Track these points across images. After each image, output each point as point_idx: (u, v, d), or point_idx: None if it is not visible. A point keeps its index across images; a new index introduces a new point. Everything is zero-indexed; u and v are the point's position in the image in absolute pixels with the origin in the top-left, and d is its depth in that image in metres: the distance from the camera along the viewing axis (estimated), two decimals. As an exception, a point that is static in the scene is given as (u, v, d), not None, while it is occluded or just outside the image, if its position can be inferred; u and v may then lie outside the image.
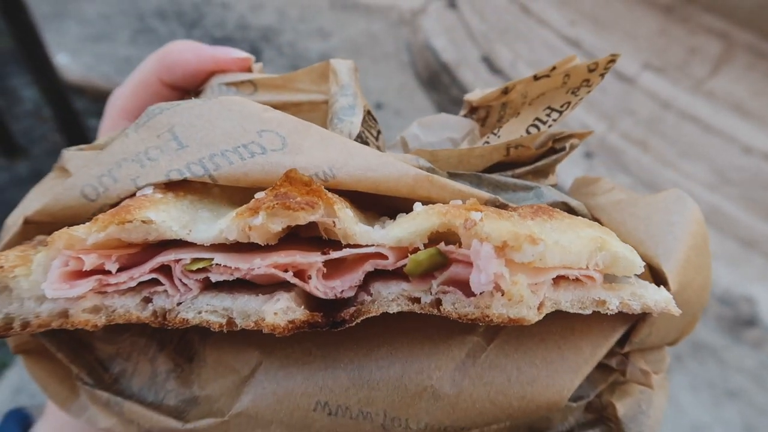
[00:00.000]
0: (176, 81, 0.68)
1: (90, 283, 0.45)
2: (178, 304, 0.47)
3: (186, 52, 0.68)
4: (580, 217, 0.54)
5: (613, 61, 0.58)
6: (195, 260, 0.46)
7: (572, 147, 0.61)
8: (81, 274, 0.45)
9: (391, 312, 0.46)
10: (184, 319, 0.46)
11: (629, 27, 2.93)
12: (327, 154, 0.51)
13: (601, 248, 0.47)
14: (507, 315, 0.43)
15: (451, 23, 4.50)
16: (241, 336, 0.54)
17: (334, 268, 0.47)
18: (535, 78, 0.63)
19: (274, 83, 0.67)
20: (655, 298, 0.48)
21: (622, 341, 0.56)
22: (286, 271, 0.45)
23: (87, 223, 0.45)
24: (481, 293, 0.43)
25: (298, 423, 0.53)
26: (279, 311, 0.44)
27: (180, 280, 0.47)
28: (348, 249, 0.46)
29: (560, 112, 0.59)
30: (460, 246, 0.44)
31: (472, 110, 0.71)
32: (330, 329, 0.47)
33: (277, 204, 0.43)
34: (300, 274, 0.46)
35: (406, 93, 4.48)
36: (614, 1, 2.99)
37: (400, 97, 4.41)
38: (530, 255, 0.42)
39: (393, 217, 0.52)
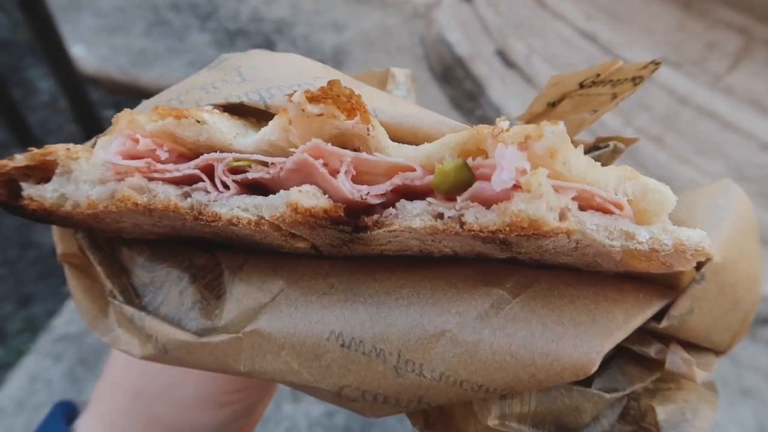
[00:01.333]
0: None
1: (140, 162, 0.48)
2: (215, 201, 0.48)
3: None
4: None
5: (657, 65, 0.57)
6: (237, 159, 0.48)
7: (617, 149, 0.62)
8: (134, 156, 0.49)
9: (415, 226, 0.44)
10: (216, 213, 0.48)
11: (646, 21, 2.90)
12: (373, 101, 0.52)
13: (630, 177, 0.45)
14: (526, 213, 0.40)
15: (465, 17, 4.48)
16: (270, 268, 0.57)
17: (362, 175, 0.47)
18: (581, 86, 0.63)
19: None
20: (689, 234, 0.43)
21: (659, 317, 0.53)
22: (318, 159, 0.45)
23: (149, 113, 0.49)
24: (502, 192, 0.41)
25: (309, 351, 0.53)
26: (304, 191, 0.44)
27: (220, 179, 0.49)
28: (378, 154, 0.46)
29: (595, 111, 0.61)
30: (487, 157, 0.43)
31: None
32: (352, 233, 0.47)
33: (320, 96, 0.44)
34: (330, 170, 0.46)
35: (420, 86, 4.47)
36: (631, -6, 2.96)
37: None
38: (550, 135, 0.40)
39: None
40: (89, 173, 0.50)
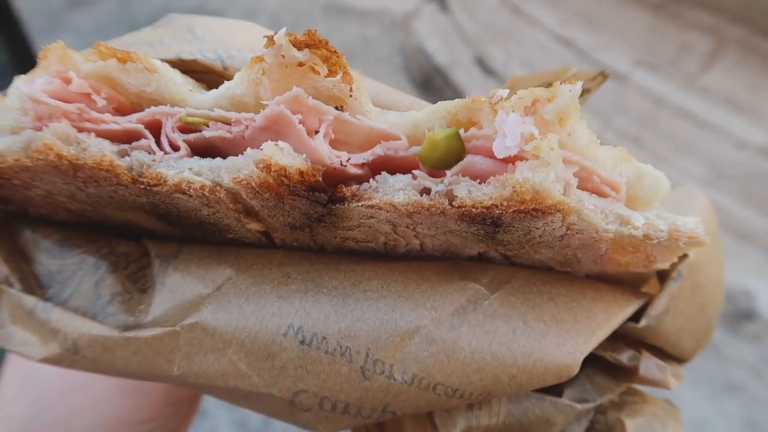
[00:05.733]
0: None
1: (71, 107, 0.39)
2: (160, 162, 0.41)
3: None
4: None
5: (605, 77, 0.56)
6: (191, 115, 0.41)
7: None
8: (63, 99, 0.40)
9: (397, 201, 0.39)
10: (160, 175, 0.40)
11: (620, 25, 2.95)
12: None
13: (626, 159, 0.43)
14: (532, 182, 0.36)
15: (443, 25, 4.51)
16: (213, 256, 0.48)
17: (339, 143, 0.41)
18: None
19: None
20: (684, 220, 0.42)
21: (637, 317, 0.50)
22: (296, 114, 0.39)
23: (86, 51, 0.40)
24: (500, 164, 0.38)
25: (261, 349, 0.45)
26: (281, 146, 0.37)
27: (168, 138, 0.41)
28: (361, 117, 0.41)
29: None
30: (480, 127, 0.40)
31: None
32: (326, 205, 0.40)
33: (299, 38, 0.38)
34: (307, 129, 0.40)
35: (401, 96, 4.49)
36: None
37: (395, 101, 4.42)
38: (567, 94, 0.37)
39: None
40: (1, 119, 0.40)
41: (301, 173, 0.37)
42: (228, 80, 0.42)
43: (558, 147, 0.36)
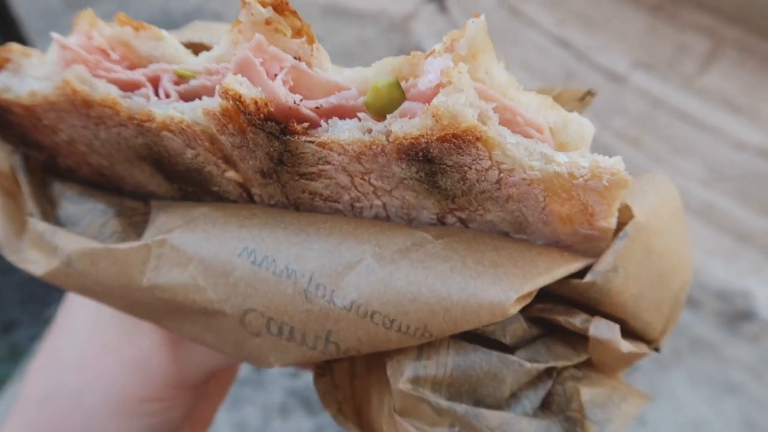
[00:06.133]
0: None
1: (90, 56, 0.49)
2: (154, 104, 0.48)
3: None
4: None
5: (592, 96, 0.57)
6: (183, 69, 0.49)
7: None
8: (86, 50, 0.49)
9: (343, 139, 0.44)
10: (150, 112, 0.47)
11: (618, 26, 2.95)
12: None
13: (551, 107, 0.45)
14: (446, 105, 0.39)
15: (441, 27, 4.52)
16: (195, 200, 0.57)
17: (302, 91, 0.46)
18: None
19: None
20: (604, 158, 0.41)
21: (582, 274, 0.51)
22: (258, 59, 0.45)
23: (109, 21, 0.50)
24: (428, 92, 0.42)
25: (218, 266, 0.50)
26: (238, 78, 0.43)
27: (164, 88, 0.49)
28: (318, 70, 0.47)
29: None
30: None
31: None
32: (280, 137, 0.45)
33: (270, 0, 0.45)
34: (268, 74, 0.45)
35: (399, 97, 4.49)
36: (603, 1, 3.00)
37: (393, 102, 4.43)
38: (471, 26, 0.42)
39: None
40: (38, 69, 0.50)
41: (256, 102, 0.42)
42: None
43: (467, 73, 0.40)
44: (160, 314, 0.56)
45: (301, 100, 0.45)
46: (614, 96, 2.97)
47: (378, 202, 0.51)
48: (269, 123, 0.44)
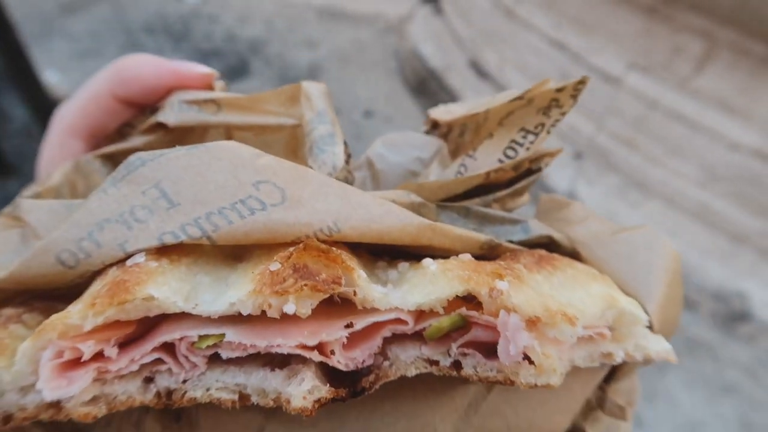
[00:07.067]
0: (132, 96, 0.63)
1: (89, 373, 0.41)
2: (184, 381, 0.44)
3: (144, 66, 0.63)
4: (579, 265, 0.56)
5: (583, 83, 0.57)
6: (203, 337, 0.43)
7: (546, 166, 0.62)
8: (77, 364, 0.41)
9: (409, 375, 0.46)
10: (192, 398, 0.44)
11: (614, 28, 2.96)
12: (329, 206, 0.48)
13: (610, 306, 0.50)
14: (535, 383, 0.44)
15: (437, 29, 4.53)
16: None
17: (352, 337, 0.45)
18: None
19: (239, 103, 0.64)
20: (656, 348, 0.52)
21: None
22: (311, 350, 0.44)
23: (79, 307, 0.41)
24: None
25: None
26: (306, 393, 0.42)
27: (186, 357, 0.44)
28: (369, 317, 0.45)
29: (536, 134, 0.59)
30: (482, 311, 0.45)
31: (435, 126, 0.71)
32: (349, 399, 0.46)
33: (305, 286, 0.41)
34: (322, 348, 0.44)
35: (395, 100, 4.50)
36: (598, 2, 3.02)
37: (389, 105, 4.43)
38: (569, 335, 0.44)
39: (393, 257, 0.53)
40: (15, 383, 0.41)
41: (328, 398, 0.43)
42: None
43: (560, 361, 0.45)
44: None
45: (363, 362, 0.45)
46: (609, 97, 2.98)
47: None
48: (341, 401, 0.45)
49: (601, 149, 3.10)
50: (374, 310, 0.45)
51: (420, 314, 0.46)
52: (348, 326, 0.44)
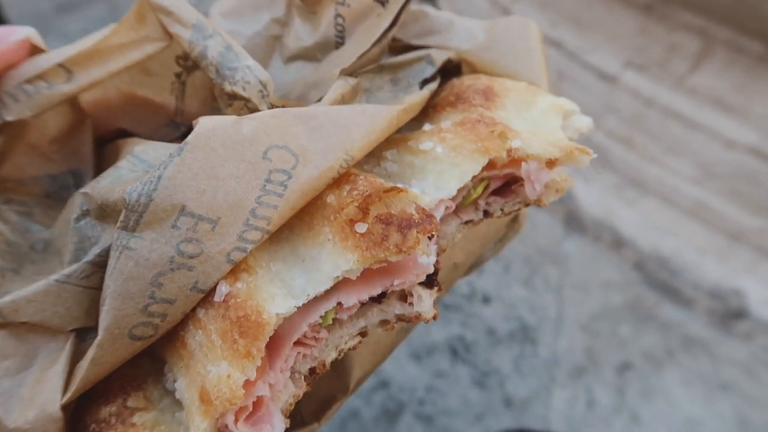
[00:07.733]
0: None
1: (275, 413, 0.44)
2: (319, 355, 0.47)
3: None
4: (500, 82, 0.62)
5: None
6: (323, 316, 0.45)
7: (430, 60, 0.65)
8: (250, 414, 0.42)
9: (456, 242, 0.54)
10: (329, 362, 0.47)
11: (610, 26, 2.96)
12: (329, 142, 0.47)
13: (562, 113, 0.61)
14: (558, 198, 0.56)
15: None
16: None
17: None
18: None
19: (88, 55, 0.57)
20: (587, 124, 0.66)
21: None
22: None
23: (225, 367, 0.39)
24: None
25: None
26: (431, 305, 0.49)
27: (314, 337, 0.46)
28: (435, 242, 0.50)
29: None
30: (498, 168, 0.53)
31: None
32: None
33: (418, 233, 0.45)
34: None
35: (392, 99, 4.48)
36: (594, 2, 3.01)
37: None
38: (585, 162, 0.54)
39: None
40: None
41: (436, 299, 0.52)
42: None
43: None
44: None
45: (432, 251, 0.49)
46: (606, 96, 2.98)
47: None
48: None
49: (597, 147, 3.10)
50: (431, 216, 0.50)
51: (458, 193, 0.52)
52: (430, 237, 0.48)
